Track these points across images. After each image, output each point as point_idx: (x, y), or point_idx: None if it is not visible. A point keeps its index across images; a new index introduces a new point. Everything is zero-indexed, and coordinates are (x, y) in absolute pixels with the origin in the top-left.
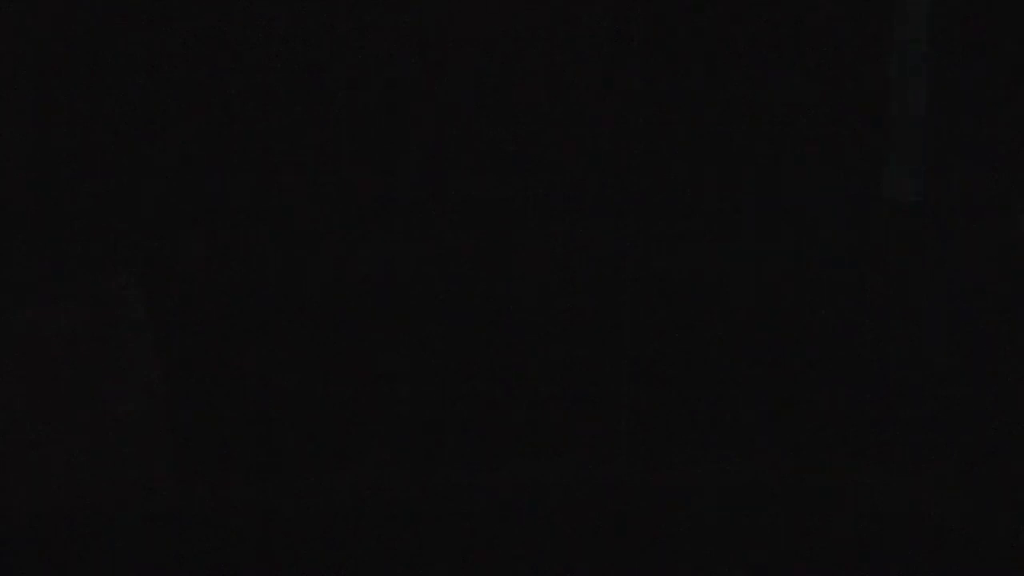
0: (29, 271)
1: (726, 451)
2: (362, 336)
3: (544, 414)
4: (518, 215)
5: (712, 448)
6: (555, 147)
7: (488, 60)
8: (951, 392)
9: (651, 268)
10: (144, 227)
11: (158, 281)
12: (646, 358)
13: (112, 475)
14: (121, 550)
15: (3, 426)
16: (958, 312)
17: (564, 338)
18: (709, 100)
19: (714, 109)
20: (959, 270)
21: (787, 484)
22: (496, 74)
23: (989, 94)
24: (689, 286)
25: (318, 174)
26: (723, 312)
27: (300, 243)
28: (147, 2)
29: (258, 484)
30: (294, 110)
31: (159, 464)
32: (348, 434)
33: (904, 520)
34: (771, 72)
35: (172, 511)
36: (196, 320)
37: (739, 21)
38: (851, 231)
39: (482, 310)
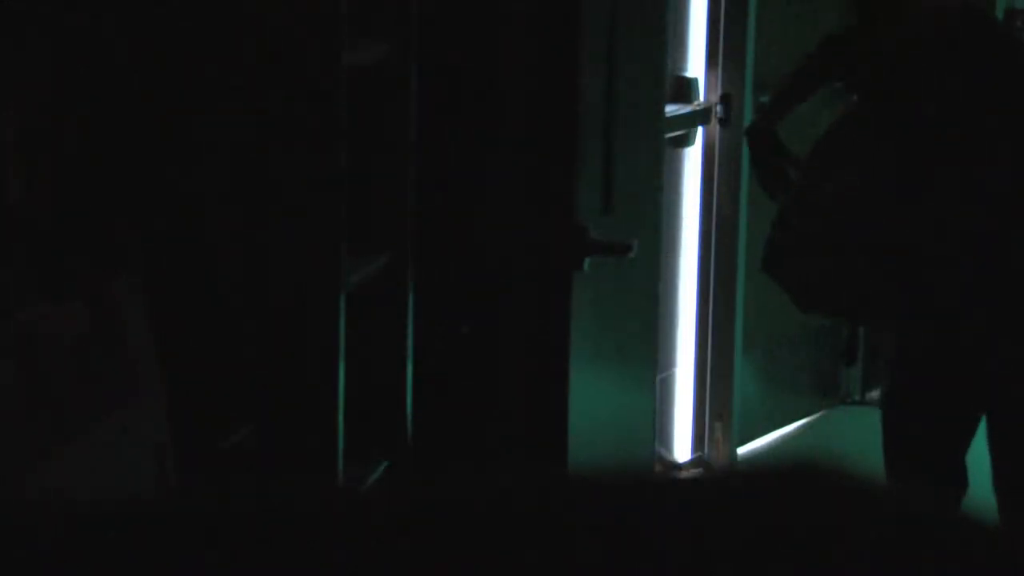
0: (29, 271)
1: None
2: (358, 337)
3: None
4: None
5: None
6: None
7: None
8: None
9: None
10: (144, 227)
11: (158, 281)
12: None
13: (112, 475)
14: (121, 550)
15: (1, 426)
16: None
17: None
18: None
19: None
20: None
21: None
22: None
23: None
24: None
25: (318, 175)
26: None
27: (297, 245)
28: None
29: (260, 484)
30: (297, 111)
31: (160, 465)
32: (349, 433)
33: None
34: None
35: (173, 511)
36: (196, 319)
37: None
38: None
39: None
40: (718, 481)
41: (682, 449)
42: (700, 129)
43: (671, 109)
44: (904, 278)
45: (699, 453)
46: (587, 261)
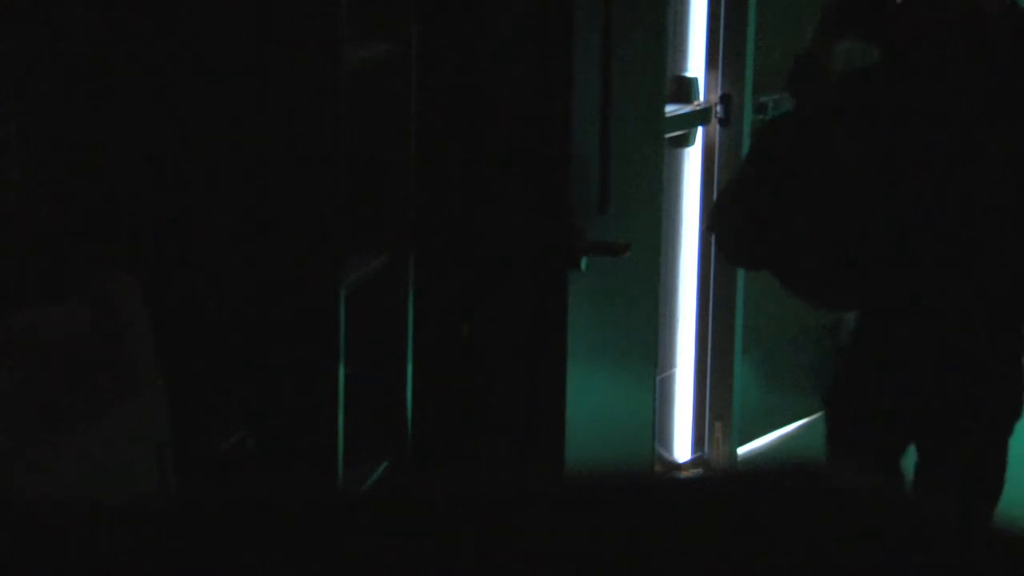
0: (29, 271)
1: None
2: (358, 337)
3: None
4: None
5: None
6: None
7: None
8: None
9: None
10: (144, 227)
11: (158, 281)
12: None
13: (112, 475)
14: (121, 550)
15: (2, 426)
16: None
17: None
18: None
19: None
20: None
21: None
22: None
23: None
24: None
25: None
26: None
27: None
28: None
29: (260, 484)
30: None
31: (160, 465)
32: (349, 433)
33: None
34: None
35: (173, 511)
36: (196, 319)
37: None
38: None
39: None
40: (718, 481)
41: (682, 449)
42: (700, 129)
43: (671, 109)
44: (881, 265)
45: (699, 453)
46: (584, 261)
